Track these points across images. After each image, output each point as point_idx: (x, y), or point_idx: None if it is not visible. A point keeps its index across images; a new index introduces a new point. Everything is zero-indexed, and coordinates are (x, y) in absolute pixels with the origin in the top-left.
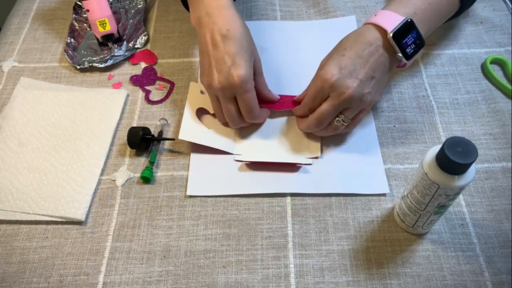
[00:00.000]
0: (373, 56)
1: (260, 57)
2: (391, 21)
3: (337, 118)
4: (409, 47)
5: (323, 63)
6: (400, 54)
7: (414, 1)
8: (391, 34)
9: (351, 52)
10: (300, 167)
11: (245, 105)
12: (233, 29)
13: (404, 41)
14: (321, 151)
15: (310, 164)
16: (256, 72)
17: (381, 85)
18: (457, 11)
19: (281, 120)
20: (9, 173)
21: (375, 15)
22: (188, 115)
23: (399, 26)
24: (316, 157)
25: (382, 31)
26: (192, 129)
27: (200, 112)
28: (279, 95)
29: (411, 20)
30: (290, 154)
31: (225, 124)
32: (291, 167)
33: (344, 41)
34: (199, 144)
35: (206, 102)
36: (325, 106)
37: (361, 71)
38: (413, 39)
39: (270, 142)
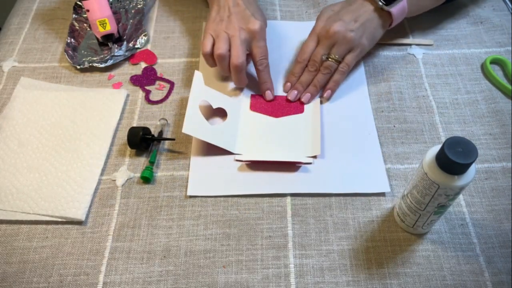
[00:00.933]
0: (356, 5)
1: None
2: None
3: (328, 57)
4: None
5: None
6: (380, 3)
7: None
8: None
9: (336, 7)
10: (300, 166)
11: (261, 51)
12: None
13: None
14: (321, 150)
15: (311, 163)
16: None
17: (366, 30)
18: None
19: (280, 120)
20: (9, 173)
21: None
22: (192, 108)
23: None
24: (315, 156)
25: None
26: (196, 124)
27: (204, 108)
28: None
29: None
30: (290, 153)
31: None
32: (291, 167)
33: (335, 3)
34: (199, 144)
35: (210, 95)
36: (316, 49)
37: (344, 16)
38: None
39: (270, 141)
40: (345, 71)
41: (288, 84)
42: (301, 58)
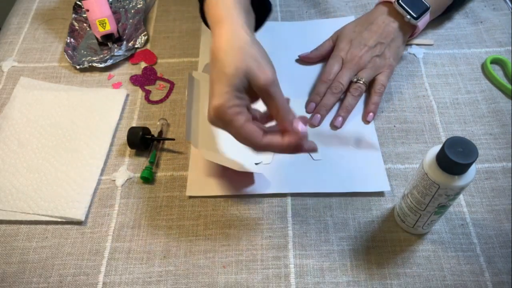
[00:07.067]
0: (378, 23)
1: None
2: None
3: (357, 80)
4: (415, 8)
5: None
6: (408, 16)
7: None
8: (396, 1)
9: (357, 27)
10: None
11: (238, 137)
12: (217, 48)
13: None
14: (321, 149)
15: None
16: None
17: (392, 50)
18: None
19: None
20: (9, 173)
21: None
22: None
23: None
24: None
25: (389, 4)
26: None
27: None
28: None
29: None
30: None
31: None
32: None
33: (356, 21)
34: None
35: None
36: (341, 71)
37: (369, 39)
38: (419, 3)
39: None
40: (382, 91)
41: (312, 104)
42: (326, 78)
